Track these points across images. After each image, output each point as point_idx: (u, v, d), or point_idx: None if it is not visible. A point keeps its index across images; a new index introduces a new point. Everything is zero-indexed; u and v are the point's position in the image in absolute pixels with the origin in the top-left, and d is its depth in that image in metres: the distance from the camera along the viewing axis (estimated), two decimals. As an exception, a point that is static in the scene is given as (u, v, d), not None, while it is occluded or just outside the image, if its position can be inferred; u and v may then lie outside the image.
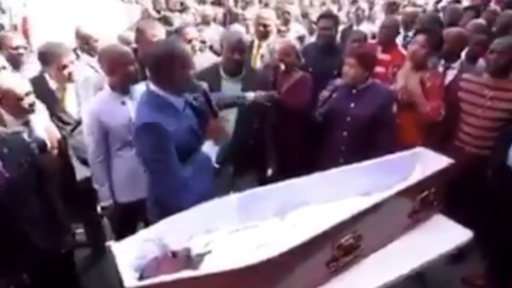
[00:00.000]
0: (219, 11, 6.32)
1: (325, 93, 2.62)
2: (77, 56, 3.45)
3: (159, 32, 2.94)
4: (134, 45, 3.17)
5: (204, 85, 2.09)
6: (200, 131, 2.08)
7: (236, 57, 2.70)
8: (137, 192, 2.48)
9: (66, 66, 2.76)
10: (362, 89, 2.61)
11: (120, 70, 2.39)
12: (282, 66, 3.10)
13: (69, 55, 2.82)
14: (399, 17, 4.53)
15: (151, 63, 1.95)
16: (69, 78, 2.81)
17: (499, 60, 2.61)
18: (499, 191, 2.50)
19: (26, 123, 2.39)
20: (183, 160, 1.96)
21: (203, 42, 3.94)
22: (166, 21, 6.16)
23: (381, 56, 3.65)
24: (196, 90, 2.08)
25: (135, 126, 1.95)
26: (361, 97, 2.59)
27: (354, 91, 2.62)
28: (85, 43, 3.49)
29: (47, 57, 2.79)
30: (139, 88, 2.45)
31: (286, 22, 4.77)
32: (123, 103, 2.44)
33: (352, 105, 2.60)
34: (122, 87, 2.44)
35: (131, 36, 3.92)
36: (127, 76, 2.42)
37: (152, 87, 1.95)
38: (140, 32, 3.01)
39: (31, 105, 2.36)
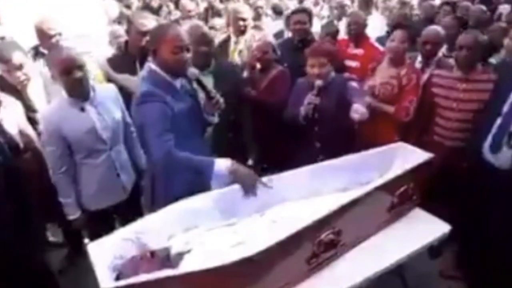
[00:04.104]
0: (201, 6, 6.26)
1: (312, 98, 2.50)
2: (42, 54, 3.21)
3: (149, 23, 2.85)
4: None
5: (195, 71, 2.07)
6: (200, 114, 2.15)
7: (203, 49, 2.64)
8: (109, 199, 2.43)
9: (10, 68, 2.60)
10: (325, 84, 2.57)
11: (64, 77, 2.15)
12: (258, 65, 3.10)
13: (12, 58, 2.60)
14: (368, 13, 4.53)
15: (149, 44, 2.05)
16: (19, 82, 2.63)
17: (469, 56, 2.63)
18: (475, 183, 2.54)
19: None
20: (183, 144, 1.94)
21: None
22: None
23: (354, 51, 3.67)
24: (186, 76, 2.08)
25: (135, 97, 1.98)
26: (324, 91, 2.53)
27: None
28: (43, 40, 3.19)
29: None
30: (101, 91, 2.34)
31: (258, 17, 4.75)
32: (82, 109, 2.24)
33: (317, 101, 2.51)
34: (73, 93, 2.21)
35: (120, 30, 3.86)
36: (72, 82, 2.16)
37: (152, 66, 2.01)
38: (130, 23, 2.97)
39: None
